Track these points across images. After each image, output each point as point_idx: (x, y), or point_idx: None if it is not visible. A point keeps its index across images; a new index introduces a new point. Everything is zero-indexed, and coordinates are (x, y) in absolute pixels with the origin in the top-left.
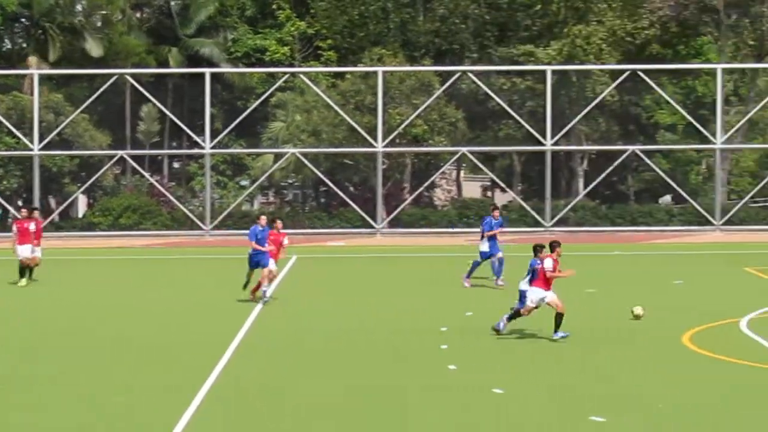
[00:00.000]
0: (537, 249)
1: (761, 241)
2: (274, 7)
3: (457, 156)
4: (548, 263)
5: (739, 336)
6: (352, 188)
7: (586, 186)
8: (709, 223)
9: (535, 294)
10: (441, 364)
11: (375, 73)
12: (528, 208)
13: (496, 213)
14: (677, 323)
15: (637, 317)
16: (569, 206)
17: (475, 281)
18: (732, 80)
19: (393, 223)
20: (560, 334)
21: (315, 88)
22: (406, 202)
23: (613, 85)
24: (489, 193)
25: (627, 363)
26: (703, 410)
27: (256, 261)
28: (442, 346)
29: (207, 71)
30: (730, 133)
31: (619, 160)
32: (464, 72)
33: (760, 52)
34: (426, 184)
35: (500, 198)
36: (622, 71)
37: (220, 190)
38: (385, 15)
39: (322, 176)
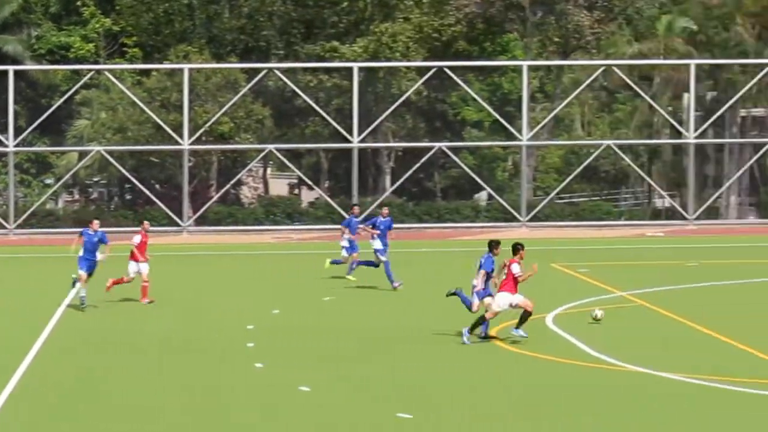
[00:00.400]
0: (492, 245)
1: (567, 237)
2: (78, 3)
3: (263, 153)
4: (516, 268)
5: (545, 331)
6: (158, 186)
7: (393, 183)
8: (515, 219)
9: (503, 299)
10: (248, 362)
11: (181, 70)
12: (335, 205)
13: (385, 211)
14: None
15: (596, 320)
16: (376, 203)
17: (286, 279)
18: (538, 77)
19: (199, 221)
20: (520, 332)
21: (120, 85)
22: (213, 199)
23: (420, 82)
24: (296, 191)
25: (435, 360)
26: (511, 406)
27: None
28: (248, 345)
29: (10, 68)
30: (535, 130)
31: (426, 157)
32: (270, 69)
33: (565, 49)
34: (233, 181)
35: (307, 195)
36: (429, 68)
37: (24, 189)
38: (190, 12)
39: (127, 174)
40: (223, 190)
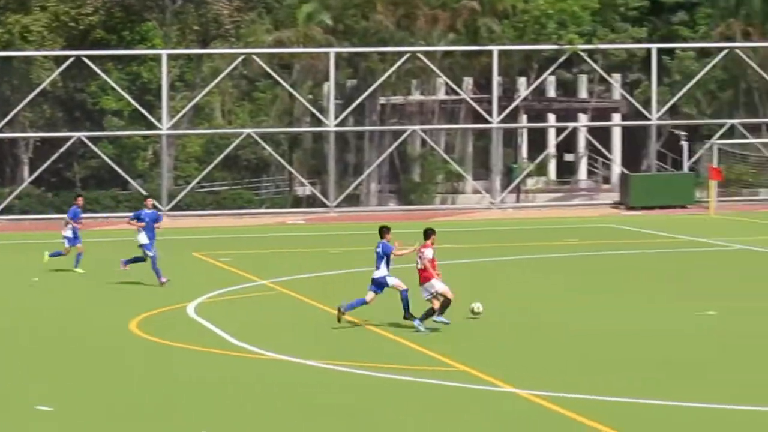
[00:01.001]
0: (383, 231)
1: (208, 226)
2: None
3: None
4: (429, 253)
5: (187, 321)
6: None
7: (31, 173)
8: (155, 208)
9: (435, 285)
10: None
11: None
12: None
13: (149, 202)
14: (125, 310)
15: (474, 313)
16: (14, 194)
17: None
18: (178, 66)
19: None
20: (443, 318)
21: None
22: None
23: (57, 71)
24: None
25: (76, 354)
26: (152, 399)
27: None
28: None
29: None
30: (175, 119)
31: (65, 147)
32: None
33: (205, 37)
34: None
35: None
36: (67, 57)
37: None
38: None
39: None
40: None
